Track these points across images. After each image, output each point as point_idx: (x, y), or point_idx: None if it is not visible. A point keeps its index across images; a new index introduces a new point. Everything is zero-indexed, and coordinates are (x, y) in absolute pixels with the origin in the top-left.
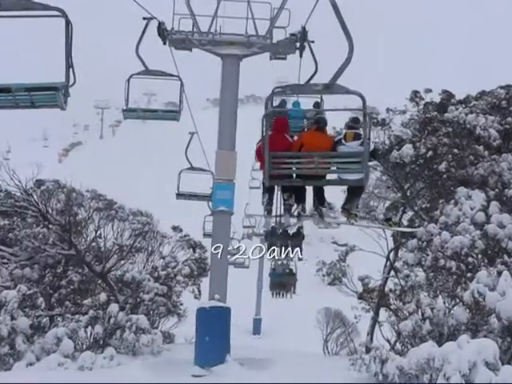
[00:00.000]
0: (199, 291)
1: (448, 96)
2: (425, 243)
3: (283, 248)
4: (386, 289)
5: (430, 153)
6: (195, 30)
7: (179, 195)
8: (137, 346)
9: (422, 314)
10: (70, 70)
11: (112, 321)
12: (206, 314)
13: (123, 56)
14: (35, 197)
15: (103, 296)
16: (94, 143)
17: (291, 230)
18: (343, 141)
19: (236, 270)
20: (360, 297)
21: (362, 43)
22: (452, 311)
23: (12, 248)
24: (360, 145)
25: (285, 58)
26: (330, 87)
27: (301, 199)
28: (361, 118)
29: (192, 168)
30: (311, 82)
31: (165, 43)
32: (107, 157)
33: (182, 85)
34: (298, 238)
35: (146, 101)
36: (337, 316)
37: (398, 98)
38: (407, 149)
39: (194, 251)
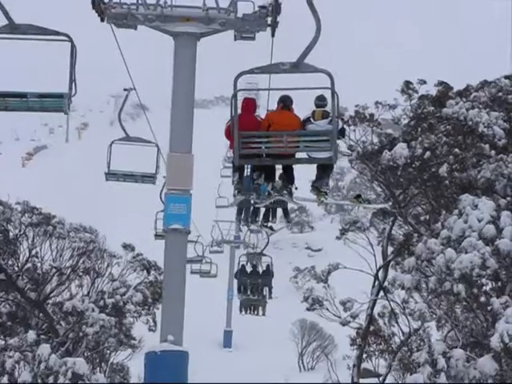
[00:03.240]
0: (154, 322)
1: (445, 88)
2: (425, 262)
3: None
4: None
5: (428, 153)
6: (140, 1)
7: (109, 175)
8: None
9: (435, 365)
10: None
11: (43, 365)
12: (156, 360)
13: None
14: None
15: (32, 335)
16: (60, 147)
17: (259, 269)
18: (312, 119)
19: (203, 280)
20: (343, 323)
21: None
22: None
23: None
24: (328, 123)
25: (253, 38)
26: (298, 66)
27: (270, 178)
28: (328, 97)
29: (128, 138)
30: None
31: (102, 20)
32: (72, 161)
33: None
34: (267, 277)
35: (113, 103)
36: (313, 328)
37: (387, 91)
38: (401, 149)
39: (149, 273)
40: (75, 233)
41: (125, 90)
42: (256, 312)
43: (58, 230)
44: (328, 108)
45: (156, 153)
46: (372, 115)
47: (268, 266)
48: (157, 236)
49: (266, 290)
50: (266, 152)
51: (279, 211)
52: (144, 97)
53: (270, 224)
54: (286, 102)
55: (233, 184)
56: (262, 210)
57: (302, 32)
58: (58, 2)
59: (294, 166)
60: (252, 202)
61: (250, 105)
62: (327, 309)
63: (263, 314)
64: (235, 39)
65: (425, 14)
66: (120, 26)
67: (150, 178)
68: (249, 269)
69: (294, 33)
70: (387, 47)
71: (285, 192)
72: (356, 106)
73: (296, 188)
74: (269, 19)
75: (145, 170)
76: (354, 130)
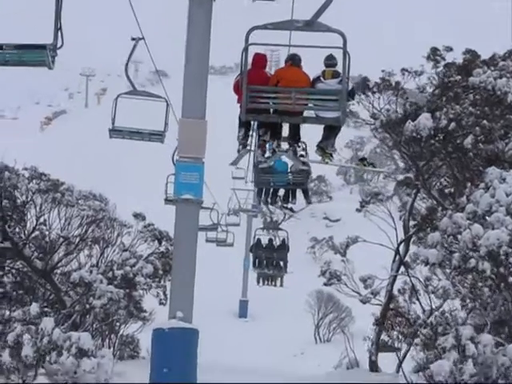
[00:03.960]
0: (165, 295)
1: (473, 56)
2: (450, 238)
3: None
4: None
5: (453, 124)
6: None
7: (114, 131)
8: (78, 372)
9: (463, 351)
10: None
11: (45, 340)
12: (164, 338)
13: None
14: None
15: (35, 307)
16: (79, 112)
17: (276, 242)
18: (321, 78)
19: (219, 248)
20: (364, 301)
21: None
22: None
23: None
24: (338, 83)
25: None
26: (311, 25)
27: (276, 136)
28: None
29: (135, 92)
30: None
31: None
32: (91, 127)
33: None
34: (282, 251)
35: (133, 69)
36: (329, 300)
37: (413, 58)
38: (425, 119)
39: (160, 243)
40: (84, 200)
41: (132, 39)
42: (274, 283)
43: (67, 197)
44: (338, 68)
45: (165, 109)
46: (398, 83)
47: (284, 240)
48: (167, 201)
49: (281, 264)
50: (274, 108)
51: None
52: (163, 63)
53: (289, 205)
54: (294, 60)
55: (238, 140)
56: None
57: None
58: None
59: (300, 128)
60: (271, 184)
61: (260, 60)
62: (345, 284)
63: (281, 285)
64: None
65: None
66: None
67: (157, 136)
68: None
69: None
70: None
71: (290, 149)
72: (382, 71)
73: (305, 151)
74: None
75: (153, 127)
76: (379, 98)
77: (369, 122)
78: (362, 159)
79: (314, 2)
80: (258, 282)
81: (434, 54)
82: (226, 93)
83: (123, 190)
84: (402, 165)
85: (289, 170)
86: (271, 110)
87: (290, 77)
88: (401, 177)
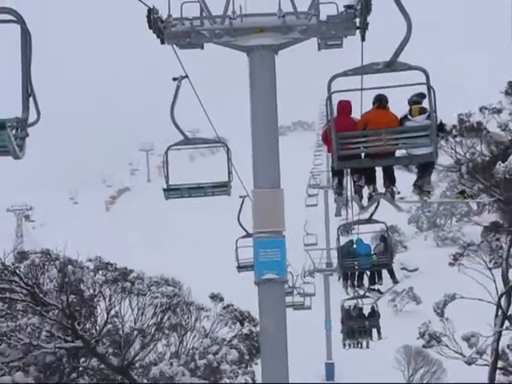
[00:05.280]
0: (253, 381)
1: None
2: None
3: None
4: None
5: None
6: (204, 14)
7: (170, 191)
8: None
9: None
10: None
11: None
12: None
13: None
14: (20, 274)
15: None
16: (142, 187)
17: (366, 310)
18: (409, 116)
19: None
20: (469, 362)
21: None
22: None
23: None
24: (426, 119)
25: (340, 45)
26: (392, 65)
27: (371, 180)
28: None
29: (187, 141)
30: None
31: (163, 41)
32: (154, 201)
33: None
34: (374, 318)
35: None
36: (418, 354)
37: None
38: None
39: (242, 325)
40: (156, 287)
41: (174, 79)
42: (360, 346)
43: (137, 285)
44: (424, 104)
45: (226, 156)
46: (480, 123)
47: (373, 307)
48: (239, 268)
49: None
50: (365, 152)
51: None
52: (222, 128)
53: (376, 287)
54: (381, 101)
55: (332, 189)
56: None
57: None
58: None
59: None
60: (355, 267)
61: (345, 107)
62: (446, 345)
63: (367, 347)
64: (319, 48)
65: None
66: (183, 46)
67: (222, 189)
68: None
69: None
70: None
71: (386, 192)
72: (459, 114)
73: (398, 192)
74: (357, 20)
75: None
76: (460, 142)
77: (453, 168)
78: (462, 192)
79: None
80: (345, 346)
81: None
82: (287, 153)
83: (195, 267)
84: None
85: (372, 252)
86: (362, 155)
87: (379, 119)
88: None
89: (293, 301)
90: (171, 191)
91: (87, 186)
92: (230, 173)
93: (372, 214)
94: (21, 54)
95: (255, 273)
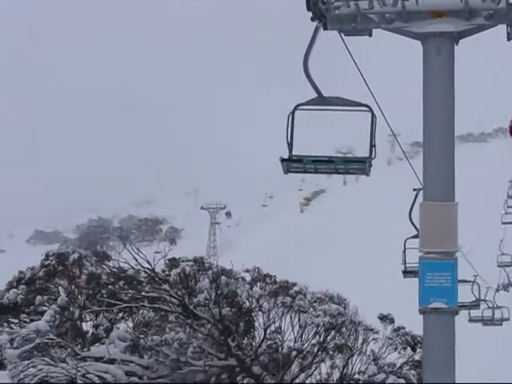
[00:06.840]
0: None
1: None
2: None
3: None
4: None
5: None
6: None
7: (291, 162)
8: None
9: None
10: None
11: None
12: None
13: None
14: (171, 282)
15: None
16: (337, 190)
17: None
18: None
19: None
20: None
21: None
22: None
23: (144, 357)
24: None
25: None
26: None
27: None
28: None
29: (320, 99)
30: None
31: (325, 26)
32: (348, 206)
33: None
34: None
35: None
36: None
37: None
38: None
39: (414, 351)
40: (319, 304)
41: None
42: None
43: (297, 301)
44: None
45: (370, 124)
46: None
47: None
48: (406, 273)
49: None
50: None
51: None
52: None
53: None
54: None
55: None
56: None
57: None
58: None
59: None
60: None
61: None
62: None
63: None
64: (508, 38)
65: None
66: (348, 32)
67: (359, 165)
68: None
69: None
70: None
71: None
72: None
73: None
74: None
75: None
76: None
77: None
78: None
79: None
80: None
81: None
82: (483, 162)
83: (364, 280)
84: None
85: None
86: None
87: None
88: None
89: (482, 316)
90: (292, 162)
91: (282, 189)
92: (372, 146)
93: None
94: None
95: (419, 300)
